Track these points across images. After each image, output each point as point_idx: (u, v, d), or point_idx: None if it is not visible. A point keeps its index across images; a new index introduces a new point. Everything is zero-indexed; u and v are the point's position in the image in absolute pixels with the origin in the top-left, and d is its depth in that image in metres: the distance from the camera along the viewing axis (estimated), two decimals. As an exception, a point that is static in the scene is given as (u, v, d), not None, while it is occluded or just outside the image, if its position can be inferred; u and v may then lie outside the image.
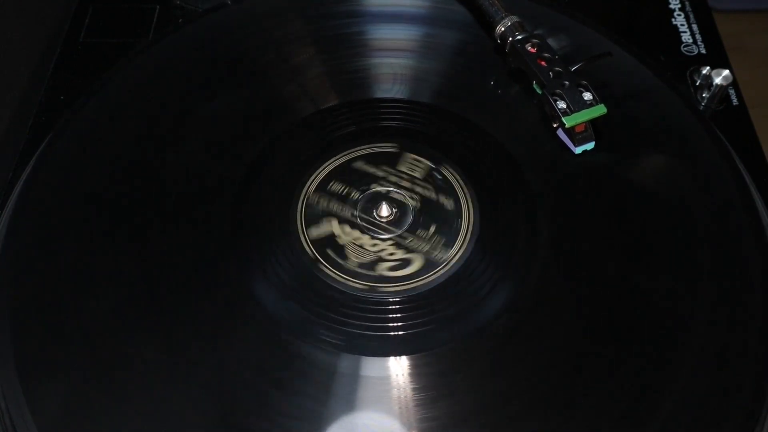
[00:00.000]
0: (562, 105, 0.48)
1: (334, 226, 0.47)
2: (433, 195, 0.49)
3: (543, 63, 0.50)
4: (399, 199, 0.49)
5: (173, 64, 0.55)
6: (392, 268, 0.46)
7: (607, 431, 0.40)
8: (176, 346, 0.42)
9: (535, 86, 0.51)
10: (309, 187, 0.49)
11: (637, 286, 0.45)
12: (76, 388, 0.41)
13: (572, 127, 0.49)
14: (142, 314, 0.43)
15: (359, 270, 0.46)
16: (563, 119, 0.48)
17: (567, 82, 0.49)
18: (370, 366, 0.42)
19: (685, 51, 0.61)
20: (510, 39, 0.52)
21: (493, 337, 0.43)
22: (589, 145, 0.50)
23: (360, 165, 0.50)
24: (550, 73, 0.50)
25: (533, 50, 0.51)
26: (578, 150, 0.50)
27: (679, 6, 0.65)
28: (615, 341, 0.43)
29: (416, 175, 0.50)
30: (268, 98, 0.54)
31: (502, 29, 0.52)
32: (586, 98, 0.48)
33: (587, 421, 0.40)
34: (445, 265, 0.46)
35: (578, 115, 0.48)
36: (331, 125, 0.52)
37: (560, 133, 0.50)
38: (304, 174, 0.50)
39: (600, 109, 0.48)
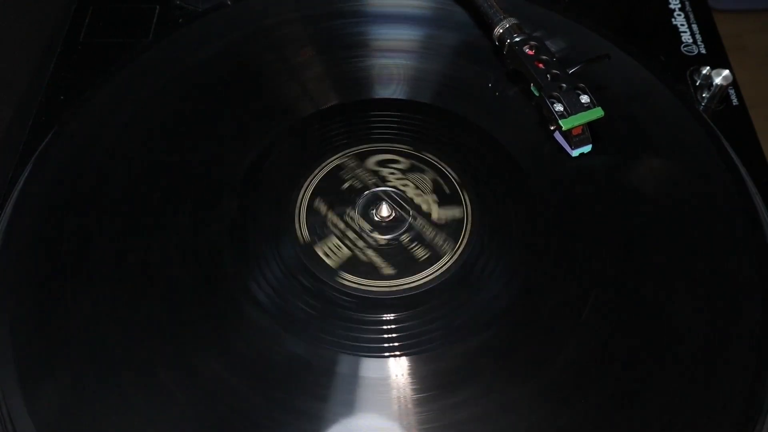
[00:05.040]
0: (559, 108, 0.48)
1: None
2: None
3: (541, 65, 0.50)
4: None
5: (173, 64, 0.55)
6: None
7: (606, 431, 0.40)
8: (175, 346, 0.43)
9: (533, 88, 0.51)
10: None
11: (636, 286, 0.45)
12: (75, 388, 0.41)
13: (569, 130, 0.49)
14: (141, 314, 0.44)
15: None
16: (560, 122, 0.48)
17: (564, 85, 0.49)
18: (370, 366, 0.42)
19: (685, 51, 0.61)
20: (508, 41, 0.51)
21: (493, 338, 0.43)
22: (586, 148, 0.50)
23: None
24: (548, 76, 0.49)
25: (531, 52, 0.51)
26: (575, 153, 0.50)
27: (679, 6, 0.64)
28: (614, 342, 0.43)
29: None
30: (268, 98, 0.54)
31: (500, 31, 0.52)
32: (583, 101, 0.48)
33: (586, 421, 0.40)
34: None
35: (575, 117, 0.48)
36: (330, 126, 0.52)
37: (557, 135, 0.50)
38: (303, 175, 0.50)
39: (597, 112, 0.48)
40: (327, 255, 0.46)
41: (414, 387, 0.41)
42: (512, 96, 0.54)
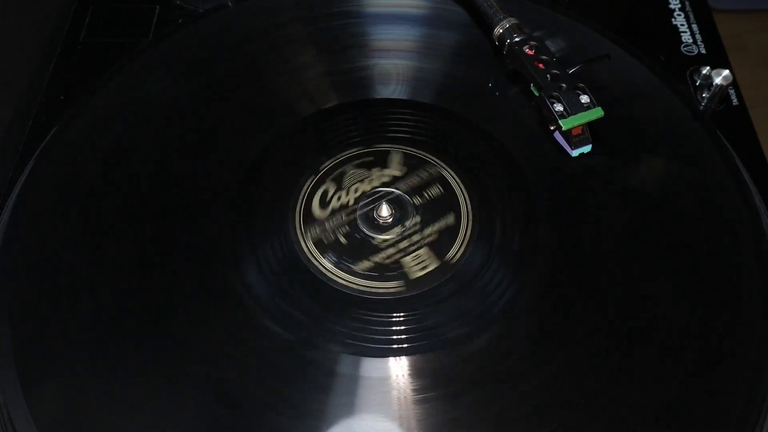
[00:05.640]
0: (559, 108, 0.48)
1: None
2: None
3: (540, 65, 0.50)
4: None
5: (173, 64, 0.55)
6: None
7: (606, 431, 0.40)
8: (175, 346, 0.43)
9: (532, 88, 0.51)
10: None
11: (636, 287, 0.45)
12: (75, 387, 0.41)
13: (569, 130, 0.49)
14: (141, 314, 0.44)
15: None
16: (560, 122, 0.48)
17: (564, 85, 0.49)
18: (370, 366, 0.42)
19: (685, 51, 0.61)
20: (508, 41, 0.51)
21: (493, 338, 0.43)
22: (586, 148, 0.50)
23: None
24: (548, 76, 0.49)
25: (531, 52, 0.51)
26: (575, 153, 0.50)
27: (679, 6, 0.64)
28: (614, 342, 0.43)
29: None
30: (268, 98, 0.54)
31: (500, 31, 0.52)
32: (583, 101, 0.48)
33: (586, 422, 0.40)
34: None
35: (575, 117, 0.48)
36: (330, 125, 0.52)
37: (557, 135, 0.50)
38: (304, 175, 0.50)
39: (597, 112, 0.48)
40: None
41: (414, 387, 0.41)
42: (512, 96, 0.54)
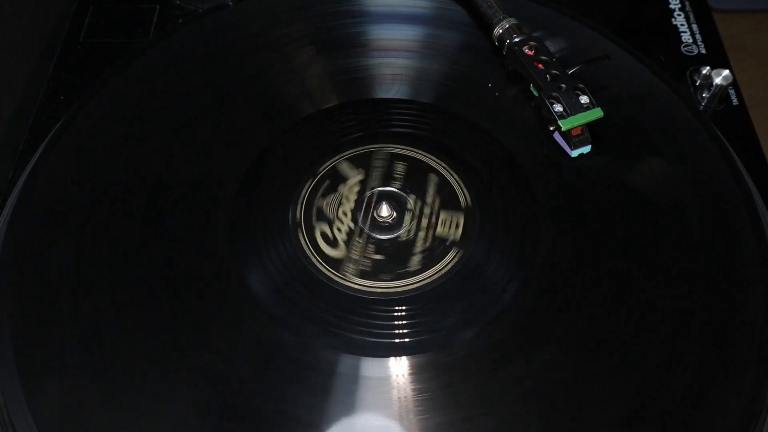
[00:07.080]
0: (558, 108, 0.48)
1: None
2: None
3: (540, 66, 0.50)
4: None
5: (173, 64, 0.55)
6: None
7: (607, 430, 0.40)
8: (175, 346, 0.43)
9: (532, 89, 0.51)
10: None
11: (636, 287, 0.45)
12: (76, 387, 0.41)
13: (568, 131, 0.49)
14: (141, 314, 0.44)
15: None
16: (559, 122, 0.48)
17: (564, 86, 0.49)
18: (370, 366, 0.42)
19: (685, 51, 0.61)
20: (507, 41, 0.51)
21: (493, 338, 0.43)
22: (586, 149, 0.50)
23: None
24: (547, 76, 0.49)
25: (531, 53, 0.51)
26: (574, 153, 0.50)
27: (679, 6, 0.64)
28: (615, 342, 0.43)
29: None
30: (268, 98, 0.54)
31: (500, 31, 0.52)
32: (582, 101, 0.48)
33: (587, 421, 0.40)
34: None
35: (574, 118, 0.48)
36: (330, 126, 0.52)
37: (557, 136, 0.50)
38: (304, 175, 0.50)
39: (596, 113, 0.48)
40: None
41: (414, 387, 0.41)
42: (512, 96, 0.54)
